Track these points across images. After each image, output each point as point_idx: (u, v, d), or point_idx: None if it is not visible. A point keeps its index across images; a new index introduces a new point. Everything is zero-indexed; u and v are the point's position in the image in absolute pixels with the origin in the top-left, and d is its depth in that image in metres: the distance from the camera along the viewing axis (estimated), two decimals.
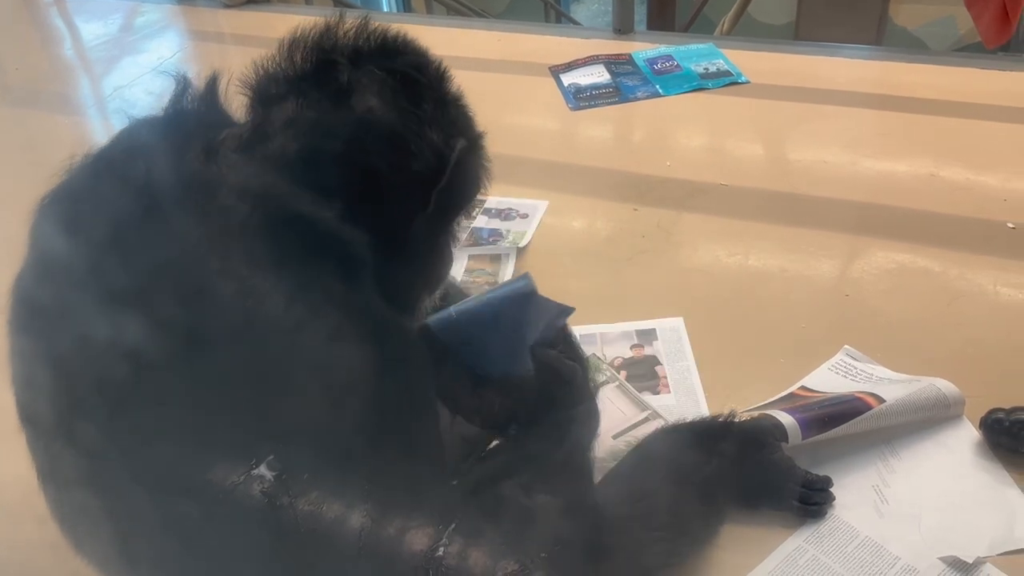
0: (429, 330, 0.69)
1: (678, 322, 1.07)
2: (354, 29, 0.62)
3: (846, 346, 1.00)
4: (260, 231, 0.54)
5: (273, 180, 0.57)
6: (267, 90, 0.61)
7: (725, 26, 2.88)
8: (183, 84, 0.60)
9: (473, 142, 0.66)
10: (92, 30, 2.22)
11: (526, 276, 0.72)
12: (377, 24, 0.64)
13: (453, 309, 0.69)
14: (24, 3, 2.36)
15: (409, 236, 0.64)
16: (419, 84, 0.62)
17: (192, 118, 0.59)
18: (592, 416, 0.71)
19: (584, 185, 1.39)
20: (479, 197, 0.70)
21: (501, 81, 1.70)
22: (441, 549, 0.57)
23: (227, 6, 2.15)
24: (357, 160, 0.59)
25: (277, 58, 0.62)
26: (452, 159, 0.62)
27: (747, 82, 1.59)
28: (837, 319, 1.08)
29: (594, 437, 0.72)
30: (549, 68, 1.69)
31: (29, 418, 0.60)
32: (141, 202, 0.54)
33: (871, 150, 1.41)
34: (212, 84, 0.60)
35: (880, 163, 1.38)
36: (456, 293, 0.76)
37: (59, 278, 0.55)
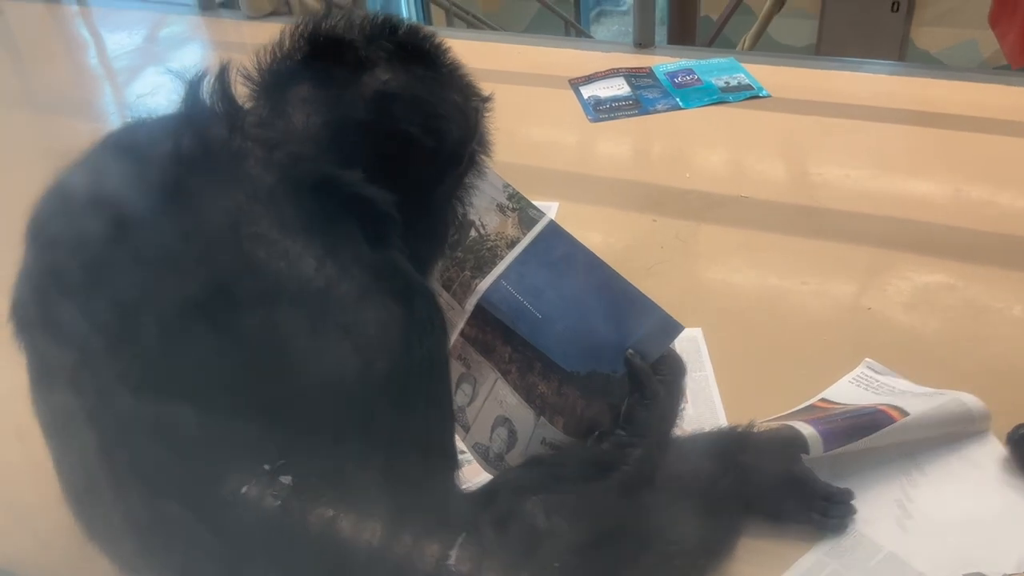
0: (484, 311, 0.69)
1: (696, 332, 1.05)
2: (345, 15, 0.63)
3: (867, 359, 0.98)
4: (291, 197, 0.55)
5: (301, 148, 0.57)
6: (276, 75, 0.61)
7: (746, 45, 2.87)
8: (196, 78, 0.60)
9: (486, 102, 0.67)
10: (117, 40, 2.24)
11: (544, 215, 0.73)
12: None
13: (492, 278, 0.69)
14: (50, 12, 2.39)
15: (435, 198, 0.64)
16: (427, 53, 0.63)
17: (208, 105, 0.58)
18: (653, 461, 0.68)
19: (603, 195, 1.38)
20: (488, 158, 0.70)
21: (521, 93, 1.70)
22: (450, 559, 0.56)
23: (250, 18, 2.17)
24: (383, 126, 0.60)
25: (278, 48, 0.62)
26: (478, 118, 0.64)
27: (768, 96, 1.58)
28: (859, 332, 1.06)
29: (646, 485, 0.68)
30: (569, 81, 1.69)
31: (47, 405, 0.60)
32: (165, 176, 0.54)
33: (894, 164, 1.39)
34: (223, 74, 0.60)
35: (903, 178, 1.36)
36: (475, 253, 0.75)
37: (85, 251, 0.55)
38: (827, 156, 1.44)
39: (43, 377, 0.60)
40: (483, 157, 0.70)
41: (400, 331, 0.54)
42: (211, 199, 0.54)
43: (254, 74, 0.63)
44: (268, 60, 0.63)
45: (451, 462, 0.61)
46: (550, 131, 1.60)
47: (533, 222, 0.78)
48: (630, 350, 0.69)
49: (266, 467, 0.58)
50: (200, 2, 2.27)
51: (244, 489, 0.56)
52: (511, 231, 0.77)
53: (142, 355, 0.53)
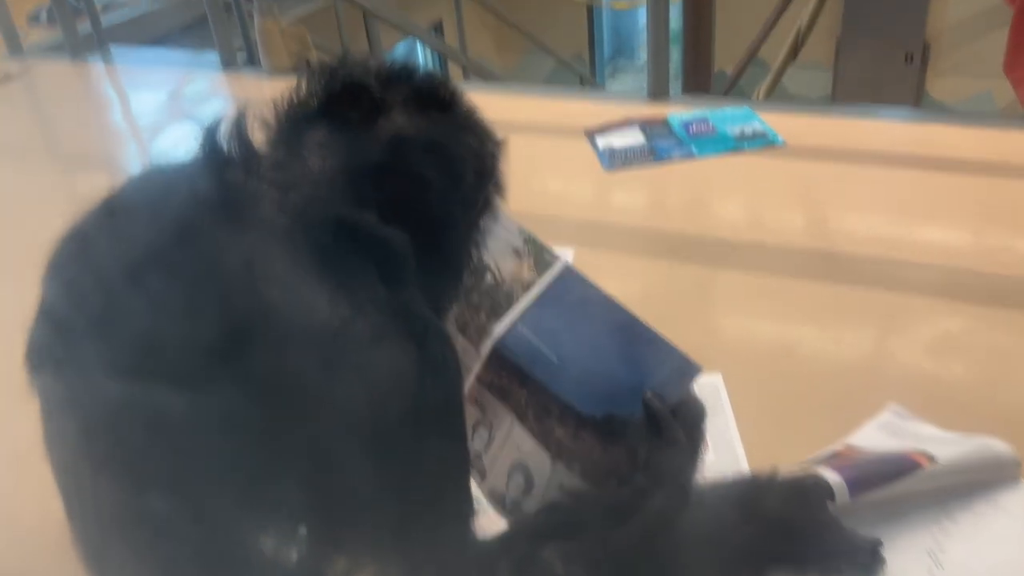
0: (500, 355, 0.68)
1: (716, 378, 1.04)
2: (362, 63, 0.64)
3: (892, 404, 0.96)
4: (306, 238, 0.55)
5: (316, 190, 0.57)
6: (292, 121, 0.62)
7: (760, 96, 2.90)
8: (213, 124, 0.61)
9: (501, 146, 0.67)
10: (141, 97, 2.29)
11: (559, 258, 0.73)
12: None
13: (508, 322, 0.68)
14: (76, 70, 2.45)
15: (450, 241, 0.64)
16: (443, 98, 0.64)
17: (224, 149, 0.59)
18: (674, 508, 0.66)
19: (619, 242, 1.38)
20: (503, 202, 0.70)
21: (536, 143, 1.71)
22: None
23: (272, 74, 2.21)
24: (399, 169, 0.60)
25: (295, 95, 0.63)
26: (493, 161, 0.65)
27: (783, 144, 1.58)
28: (882, 378, 1.04)
29: (666, 533, 0.66)
30: (584, 131, 1.70)
31: (59, 450, 0.59)
32: (180, 219, 0.54)
33: (912, 210, 1.38)
34: (240, 120, 0.61)
35: (921, 223, 1.35)
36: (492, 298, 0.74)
37: (100, 294, 0.55)
38: (845, 202, 1.43)
39: (56, 421, 0.59)
40: (498, 201, 0.71)
41: (415, 373, 0.54)
42: (225, 241, 0.54)
43: (271, 120, 0.63)
44: (285, 106, 0.64)
45: (467, 508, 0.60)
46: (565, 180, 1.61)
47: (548, 265, 0.78)
48: (648, 392, 0.67)
49: (281, 517, 0.58)
50: (223, 60, 2.32)
51: (258, 541, 0.55)
52: (526, 275, 0.77)
53: (156, 400, 0.53)
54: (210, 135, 0.60)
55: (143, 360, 0.52)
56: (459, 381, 0.59)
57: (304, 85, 0.64)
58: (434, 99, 0.65)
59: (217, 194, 0.56)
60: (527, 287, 0.76)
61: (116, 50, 2.57)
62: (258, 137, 0.63)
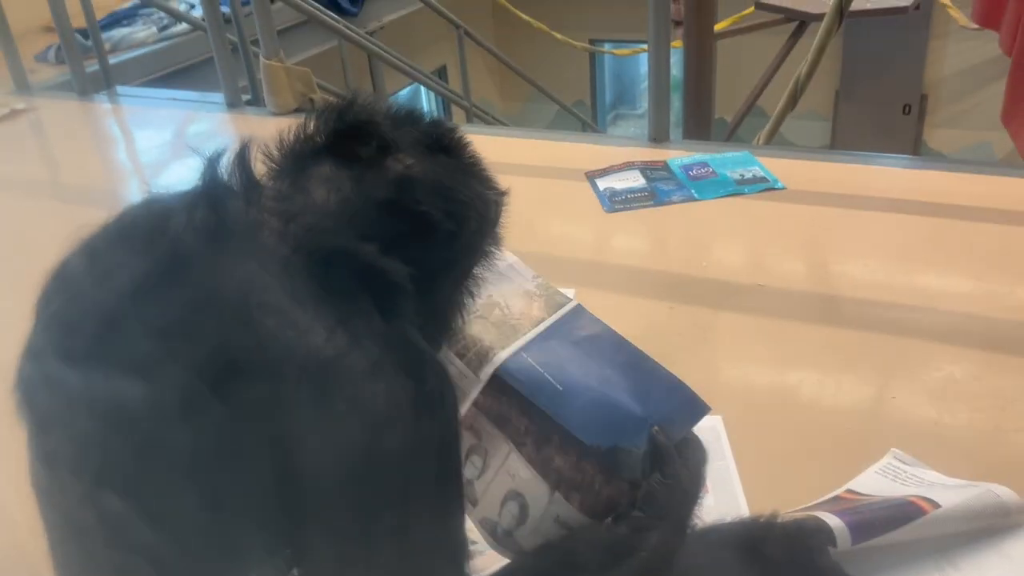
0: (501, 381, 0.67)
1: (716, 421, 1.03)
2: (370, 104, 0.64)
3: (894, 449, 0.95)
4: (304, 267, 0.54)
5: (317, 220, 0.57)
6: (297, 155, 0.62)
7: (760, 143, 2.92)
8: (215, 154, 0.61)
9: (504, 195, 0.67)
10: (146, 136, 2.31)
11: (571, 300, 0.72)
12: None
13: (512, 350, 0.69)
14: (82, 109, 2.47)
15: (447, 285, 0.64)
16: (450, 143, 0.64)
17: (225, 179, 0.59)
18: (672, 547, 0.65)
19: (619, 284, 1.38)
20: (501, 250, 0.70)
21: (538, 185, 1.72)
22: None
23: (275, 114, 2.23)
24: (403, 207, 0.60)
25: (301, 131, 0.63)
26: (497, 209, 0.65)
27: (783, 188, 1.59)
28: (883, 422, 1.03)
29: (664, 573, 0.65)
30: (585, 173, 1.71)
31: (46, 483, 0.58)
32: (177, 246, 0.54)
33: (912, 255, 1.38)
34: (243, 151, 0.60)
35: (922, 268, 1.35)
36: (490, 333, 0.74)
37: (91, 324, 0.54)
38: (845, 246, 1.44)
39: (43, 453, 0.58)
40: (499, 248, 0.71)
41: (410, 407, 0.53)
42: (222, 269, 0.54)
43: (275, 154, 0.63)
44: (291, 141, 0.64)
45: (461, 549, 0.59)
46: (566, 221, 1.61)
47: (559, 306, 0.78)
48: (656, 427, 0.67)
49: (270, 554, 0.56)
50: (227, 99, 2.35)
51: None
52: (536, 313, 0.77)
53: (147, 431, 0.52)
54: (211, 165, 0.60)
55: (134, 390, 0.52)
56: (455, 417, 0.58)
57: (312, 122, 0.64)
58: (441, 144, 0.65)
59: (214, 222, 0.56)
60: (536, 324, 0.76)
61: (122, 89, 2.60)
62: (261, 170, 0.63)
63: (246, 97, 2.45)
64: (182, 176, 0.62)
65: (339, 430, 0.51)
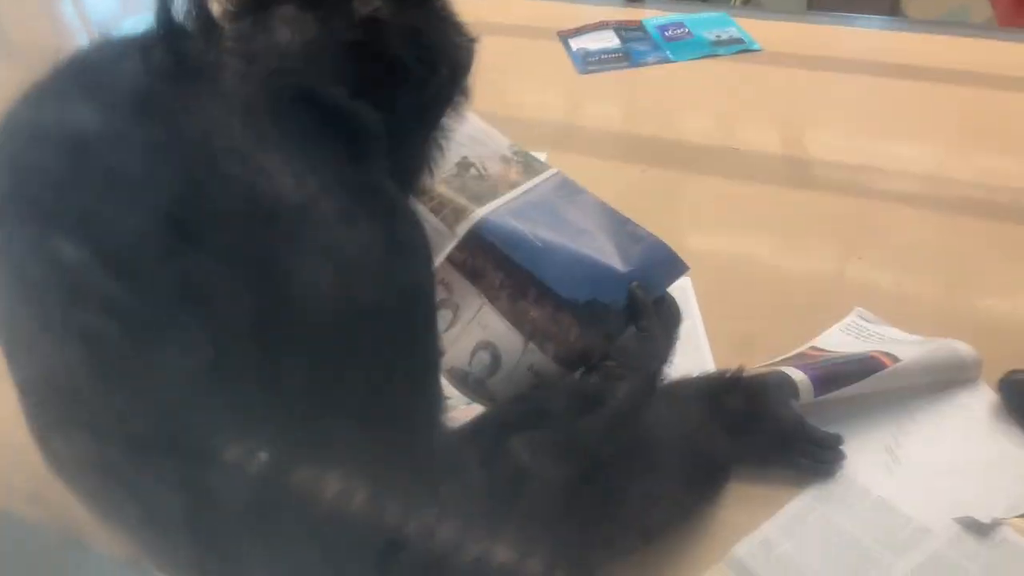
0: (478, 236, 0.67)
1: (685, 282, 1.03)
2: None
3: (858, 307, 0.96)
4: (270, 110, 0.52)
5: (283, 62, 0.54)
6: None
7: (736, 4, 2.83)
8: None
9: (475, 42, 0.65)
10: None
11: (551, 168, 0.71)
12: None
13: (490, 208, 0.68)
14: None
15: (418, 132, 0.62)
16: None
17: (182, 21, 0.55)
18: (642, 396, 0.67)
19: (591, 147, 1.36)
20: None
21: (508, 45, 1.66)
22: (417, 521, 0.54)
23: None
24: (373, 49, 0.57)
25: None
26: (468, 55, 0.63)
27: (759, 50, 1.55)
28: (849, 283, 1.05)
29: (633, 422, 0.67)
30: (557, 33, 1.65)
31: (11, 334, 0.57)
32: (133, 89, 0.51)
33: (886, 118, 1.37)
34: None
35: (895, 131, 1.34)
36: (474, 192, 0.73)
37: (47, 172, 0.52)
38: (819, 110, 1.42)
39: (8, 310, 0.57)
40: (468, 99, 0.69)
41: (382, 252, 0.52)
42: (183, 112, 0.51)
43: None
44: None
45: (437, 397, 0.59)
46: (538, 83, 1.57)
47: (537, 172, 0.77)
48: (635, 282, 0.67)
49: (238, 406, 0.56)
50: None
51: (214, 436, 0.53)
52: (514, 176, 0.76)
53: (106, 280, 0.50)
54: (164, 5, 0.57)
55: (92, 236, 0.50)
56: (429, 263, 0.57)
57: None
58: None
59: (172, 64, 0.53)
60: (514, 187, 0.75)
61: None
62: (218, 10, 0.59)
63: None
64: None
65: (310, 276, 0.50)
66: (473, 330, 0.70)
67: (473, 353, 0.70)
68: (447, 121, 0.67)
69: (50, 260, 0.52)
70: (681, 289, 1.02)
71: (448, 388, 0.73)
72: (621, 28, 1.64)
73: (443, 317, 0.72)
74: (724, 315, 0.98)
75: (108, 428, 0.54)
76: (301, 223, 0.50)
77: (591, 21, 1.68)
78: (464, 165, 0.76)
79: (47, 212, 0.52)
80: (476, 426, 0.64)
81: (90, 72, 0.55)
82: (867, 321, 0.94)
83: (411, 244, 0.54)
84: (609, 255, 0.70)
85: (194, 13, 0.57)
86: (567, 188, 0.78)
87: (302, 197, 0.50)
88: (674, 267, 0.72)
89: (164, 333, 0.50)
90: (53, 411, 0.58)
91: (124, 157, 0.50)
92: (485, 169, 0.76)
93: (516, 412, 0.65)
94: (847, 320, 0.95)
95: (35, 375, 0.57)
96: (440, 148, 0.68)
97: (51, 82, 0.55)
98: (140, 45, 0.54)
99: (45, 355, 0.55)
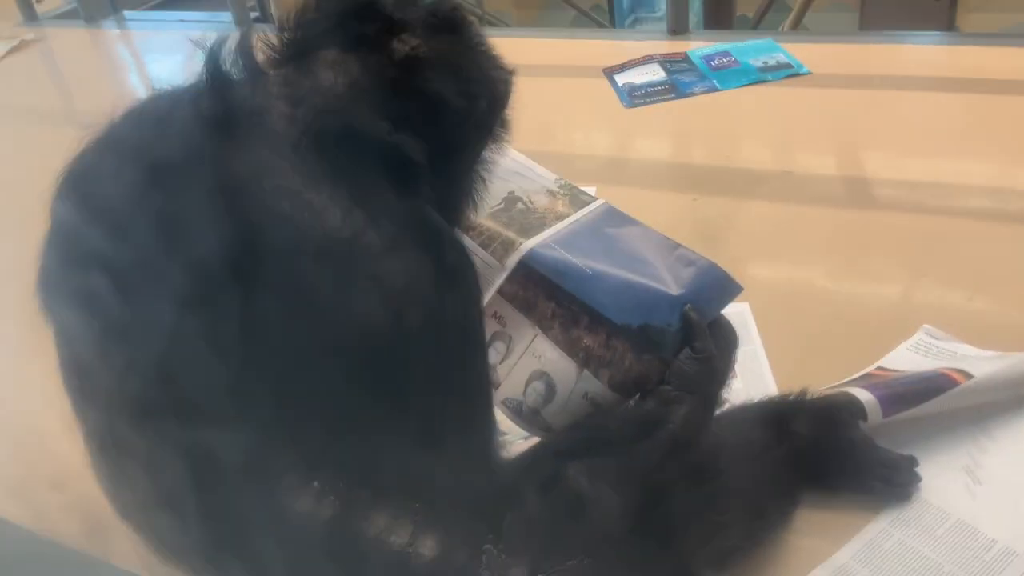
0: (527, 267, 0.67)
1: (743, 307, 1.01)
2: None
3: (925, 325, 0.93)
4: (315, 149, 0.53)
5: (327, 102, 0.56)
6: (302, 40, 0.60)
7: (784, 31, 2.82)
8: (216, 44, 0.59)
9: (512, 75, 0.65)
10: (155, 59, 2.28)
11: (598, 199, 0.71)
12: None
13: (539, 240, 0.68)
14: (92, 37, 2.44)
15: (458, 166, 0.63)
16: (456, 23, 0.62)
17: (228, 70, 0.57)
18: (701, 419, 0.66)
19: (641, 178, 1.36)
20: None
21: (555, 85, 1.68)
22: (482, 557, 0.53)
23: None
24: (412, 85, 0.59)
25: (303, 15, 0.61)
26: (506, 88, 0.64)
27: (808, 73, 1.54)
28: (914, 301, 1.02)
29: (692, 445, 0.65)
30: (603, 70, 1.66)
31: (77, 377, 0.59)
32: (185, 136, 0.53)
33: (945, 134, 1.34)
34: (244, 39, 0.59)
35: (955, 146, 1.31)
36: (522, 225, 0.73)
37: (106, 215, 0.54)
38: (874, 128, 1.39)
39: (72, 347, 0.59)
40: (508, 131, 0.69)
41: (431, 282, 0.52)
42: (232, 156, 0.53)
43: (276, 41, 0.62)
44: (292, 27, 0.62)
45: (490, 423, 0.59)
46: (585, 119, 1.57)
47: (584, 204, 0.77)
48: (689, 305, 0.66)
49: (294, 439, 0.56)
50: (235, 18, 2.30)
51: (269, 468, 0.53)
52: (561, 209, 0.76)
53: (167, 317, 0.52)
54: (213, 56, 0.59)
55: (151, 279, 0.51)
56: (477, 290, 0.57)
57: (313, 5, 0.62)
58: (446, 23, 0.63)
59: (220, 110, 0.54)
60: (561, 218, 0.75)
61: (129, 14, 2.56)
62: (263, 57, 0.61)
63: (254, 14, 2.40)
64: None
65: (360, 309, 0.51)
66: (527, 361, 0.70)
67: (527, 383, 0.69)
68: (489, 153, 0.67)
69: (110, 305, 0.53)
70: (740, 316, 1.01)
71: (504, 422, 0.72)
72: (666, 61, 1.65)
73: (497, 350, 0.71)
74: (785, 341, 0.96)
75: (166, 464, 0.55)
76: (349, 256, 0.51)
77: (635, 56, 1.69)
78: (511, 200, 0.76)
79: (109, 258, 0.54)
80: (533, 455, 0.64)
81: (143, 123, 0.57)
82: (936, 339, 0.91)
83: (458, 272, 0.54)
84: (661, 279, 0.70)
85: (240, 63, 0.59)
86: (615, 217, 0.78)
87: (349, 231, 0.51)
88: (728, 288, 0.71)
89: (222, 374, 0.51)
90: (118, 453, 0.59)
91: (178, 205, 0.52)
92: (532, 202, 0.77)
93: (573, 440, 0.64)
94: (915, 338, 0.92)
95: (97, 411, 0.58)
96: (483, 180, 0.68)
97: (108, 133, 0.57)
98: (190, 95, 0.56)
99: (110, 394, 0.56)
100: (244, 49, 0.59)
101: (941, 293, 1.02)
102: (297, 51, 0.60)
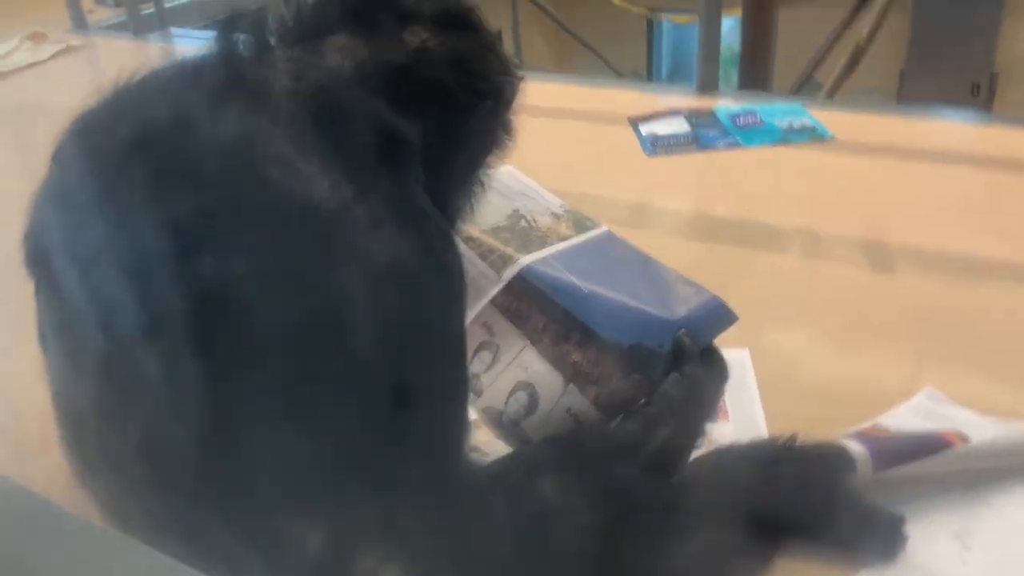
0: (523, 280, 0.67)
1: (743, 353, 0.99)
2: None
3: (928, 388, 0.91)
4: (312, 121, 0.53)
5: (330, 79, 0.56)
6: (312, 24, 0.60)
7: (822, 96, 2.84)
8: (228, 20, 0.60)
9: (520, 79, 0.65)
10: None
11: (601, 225, 0.70)
12: None
13: (538, 256, 0.68)
14: (136, 48, 2.50)
15: (461, 160, 0.63)
16: (470, 22, 0.62)
17: (237, 43, 0.58)
18: (682, 445, 0.65)
19: (657, 225, 1.35)
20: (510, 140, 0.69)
21: (578, 129, 1.70)
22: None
23: None
24: (419, 74, 0.59)
25: (316, 2, 0.62)
26: (512, 90, 0.64)
27: (832, 138, 1.53)
28: (920, 365, 0.99)
29: (671, 471, 0.65)
30: (628, 119, 1.67)
31: (57, 342, 0.58)
32: (186, 101, 0.53)
33: (973, 210, 1.32)
34: (257, 17, 0.59)
35: (985, 223, 1.28)
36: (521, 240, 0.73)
37: (99, 173, 0.53)
38: (895, 197, 1.38)
39: (54, 308, 0.58)
40: (512, 137, 0.69)
41: (412, 260, 0.51)
42: (227, 121, 0.53)
43: (290, 24, 0.62)
44: (307, 12, 0.62)
45: (461, 423, 0.58)
46: (606, 164, 1.57)
47: (588, 229, 0.77)
48: (683, 329, 0.65)
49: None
50: None
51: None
52: (564, 231, 0.76)
53: (153, 277, 0.51)
54: (225, 30, 0.59)
55: (141, 236, 0.51)
56: (460, 281, 0.57)
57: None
58: (460, 21, 0.64)
59: (223, 77, 0.55)
60: (563, 239, 0.75)
61: (175, 31, 2.62)
62: (275, 37, 0.62)
63: None
64: None
65: (337, 280, 0.50)
66: (513, 371, 0.69)
67: (511, 393, 0.68)
68: (490, 157, 0.67)
69: (99, 257, 0.53)
70: (739, 362, 0.99)
71: (483, 433, 0.71)
72: (692, 115, 1.66)
73: (482, 359, 0.70)
74: (783, 391, 0.94)
75: (137, 458, 0.53)
76: (332, 227, 0.50)
77: (662, 109, 1.70)
78: (515, 218, 0.76)
79: (100, 208, 0.53)
80: (505, 464, 0.62)
81: (148, 86, 0.58)
82: (937, 402, 0.89)
83: (442, 259, 0.54)
84: (656, 303, 0.69)
85: (252, 40, 0.59)
86: (616, 244, 0.78)
87: (336, 203, 0.50)
88: (723, 317, 0.70)
89: (202, 336, 0.50)
90: (95, 444, 0.58)
91: (167, 162, 0.52)
92: (535, 222, 0.76)
93: (548, 452, 0.62)
94: (915, 400, 0.90)
95: (77, 389, 0.57)
96: (482, 185, 0.68)
97: (115, 94, 0.58)
98: (196, 63, 0.57)
99: (86, 365, 0.55)
100: (256, 27, 0.60)
101: (948, 361, 1.00)
102: (308, 33, 0.61)
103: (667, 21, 5.49)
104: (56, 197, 0.56)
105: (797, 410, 0.91)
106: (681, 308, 0.68)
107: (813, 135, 1.54)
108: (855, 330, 1.07)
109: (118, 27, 2.66)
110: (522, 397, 0.67)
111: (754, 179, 1.47)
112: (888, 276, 1.18)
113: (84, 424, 0.58)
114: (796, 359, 1.01)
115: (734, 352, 1.00)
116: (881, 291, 1.14)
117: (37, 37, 2.46)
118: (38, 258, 0.58)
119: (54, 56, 2.36)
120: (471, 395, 0.69)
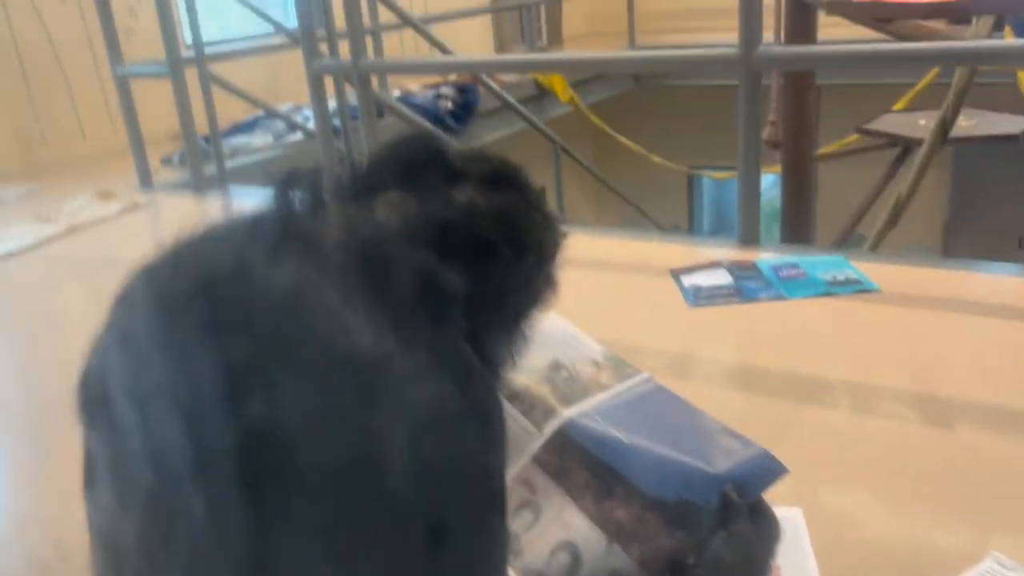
0: (565, 435, 0.66)
1: (796, 513, 0.95)
2: (437, 135, 0.66)
3: (994, 552, 0.85)
4: (359, 272, 0.54)
5: (379, 232, 0.57)
6: (366, 182, 0.63)
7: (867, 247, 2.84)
8: (285, 177, 0.63)
9: (564, 236, 0.66)
10: None
11: (642, 372, 0.70)
12: None
13: (579, 409, 0.68)
14: (197, 204, 2.62)
15: (505, 308, 0.63)
16: (516, 181, 0.64)
17: (292, 198, 0.60)
18: None
19: (700, 375, 1.34)
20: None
21: (621, 281, 1.71)
22: None
23: None
24: (466, 229, 0.61)
25: (370, 160, 0.65)
26: (557, 244, 0.65)
27: (877, 290, 1.53)
28: (983, 526, 0.94)
29: None
30: (670, 271, 1.69)
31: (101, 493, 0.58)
32: (238, 252, 0.55)
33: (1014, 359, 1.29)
34: (313, 174, 0.62)
35: None
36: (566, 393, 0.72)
37: (153, 325, 0.55)
38: (943, 349, 1.35)
39: (110, 446, 0.58)
40: (555, 291, 0.70)
41: (454, 413, 0.51)
42: (277, 273, 0.54)
43: (345, 181, 0.65)
44: (361, 171, 0.66)
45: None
46: (648, 314, 1.58)
47: (628, 376, 0.77)
48: (729, 483, 0.63)
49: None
50: None
51: None
52: (605, 380, 0.76)
53: (203, 421, 0.51)
54: (281, 187, 0.62)
55: (188, 383, 0.52)
56: (501, 428, 0.56)
57: (383, 151, 0.66)
58: (507, 180, 0.66)
59: (278, 232, 0.57)
60: (604, 389, 0.74)
61: (235, 188, 2.76)
62: (330, 194, 0.65)
63: None
64: None
65: (378, 430, 0.50)
66: (554, 530, 0.67)
67: (552, 553, 0.65)
68: (533, 310, 0.68)
69: (150, 405, 0.53)
70: (792, 522, 0.95)
71: None
72: (734, 267, 1.67)
73: (524, 518, 0.69)
74: (839, 554, 0.89)
75: None
76: (374, 377, 0.51)
77: (704, 261, 1.72)
78: (555, 367, 0.76)
79: (151, 354, 0.55)
80: None
81: (204, 241, 0.60)
82: (1006, 568, 0.83)
83: (484, 410, 0.53)
84: (701, 456, 0.67)
85: (308, 197, 0.62)
86: (658, 393, 0.77)
87: (378, 353, 0.51)
88: (771, 469, 0.67)
89: (246, 484, 0.50)
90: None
91: (216, 312, 0.53)
92: (576, 371, 0.76)
93: None
94: (983, 566, 0.84)
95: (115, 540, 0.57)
96: (524, 338, 0.68)
97: (174, 248, 0.60)
98: (252, 219, 0.59)
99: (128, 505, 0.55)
100: (312, 184, 0.62)
101: (1013, 523, 0.95)
102: (362, 191, 0.63)
103: (707, 177, 5.67)
104: (118, 340, 0.58)
105: (855, 574, 0.87)
106: (727, 461, 0.66)
107: (858, 288, 1.54)
108: (911, 487, 1.02)
109: (181, 186, 2.81)
110: (564, 557, 0.64)
111: (799, 331, 1.45)
112: (941, 431, 1.14)
113: (125, 560, 0.57)
114: (851, 518, 0.97)
115: (786, 511, 0.96)
116: (935, 447, 1.10)
117: (105, 194, 2.61)
118: (95, 399, 0.58)
119: (121, 212, 2.49)
120: (510, 555, 0.67)
